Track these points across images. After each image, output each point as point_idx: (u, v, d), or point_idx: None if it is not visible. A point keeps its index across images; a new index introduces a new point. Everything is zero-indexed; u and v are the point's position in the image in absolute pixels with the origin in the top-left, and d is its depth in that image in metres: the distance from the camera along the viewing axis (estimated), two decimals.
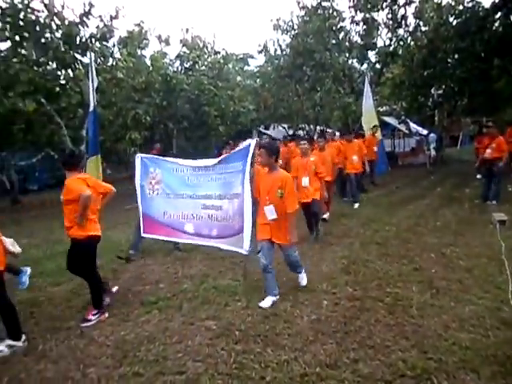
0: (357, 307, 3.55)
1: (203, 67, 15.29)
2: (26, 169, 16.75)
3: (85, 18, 9.72)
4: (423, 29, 14.99)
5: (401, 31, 15.45)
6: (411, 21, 15.40)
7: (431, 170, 14.57)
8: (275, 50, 17.22)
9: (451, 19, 13.39)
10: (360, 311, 3.47)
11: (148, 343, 3.12)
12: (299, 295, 3.88)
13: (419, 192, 9.85)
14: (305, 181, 5.51)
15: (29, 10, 9.07)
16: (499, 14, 11.32)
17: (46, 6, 9.29)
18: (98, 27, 10.40)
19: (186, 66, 15.47)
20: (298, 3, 15.74)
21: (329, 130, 14.93)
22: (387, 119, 19.01)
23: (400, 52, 15.70)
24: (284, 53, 16.84)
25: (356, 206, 8.18)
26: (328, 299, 3.75)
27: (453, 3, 13.20)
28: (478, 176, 11.93)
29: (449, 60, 14.19)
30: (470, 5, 12.57)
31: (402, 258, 4.85)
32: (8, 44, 9.22)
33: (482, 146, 11.79)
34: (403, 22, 15.28)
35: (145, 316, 3.64)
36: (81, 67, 10.57)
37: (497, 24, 11.67)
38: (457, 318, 3.22)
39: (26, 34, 9.13)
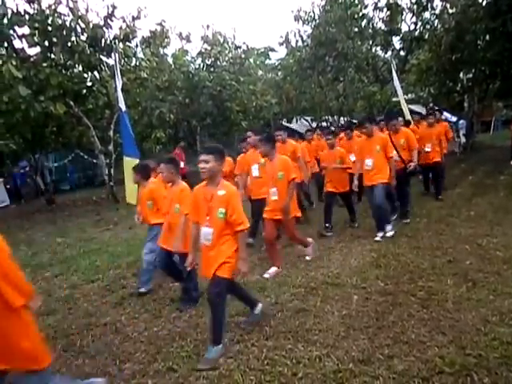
0: (389, 302, 3.47)
1: (224, 63, 15.29)
2: (58, 170, 17.39)
3: (108, 20, 9.91)
4: (450, 11, 14.37)
5: (427, 14, 14.86)
6: (437, 3, 14.82)
7: (462, 158, 14.03)
8: (296, 42, 16.95)
9: (480, 0, 12.75)
10: (392, 306, 3.38)
11: (180, 339, 3.17)
12: (329, 290, 3.84)
13: (450, 180, 9.47)
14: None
15: (56, 15, 9.34)
16: None
17: (71, 9, 9.53)
18: (120, 28, 10.58)
19: (208, 62, 15.52)
20: None
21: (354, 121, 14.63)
22: (413, 107, 18.42)
23: (426, 36, 15.13)
24: (305, 44, 16.56)
25: None
26: (358, 294, 3.69)
27: None
28: None
29: (479, 42, 13.53)
30: None
31: (435, 250, 4.70)
32: (37, 49, 9.53)
33: None
34: (429, 4, 14.70)
35: (176, 312, 3.70)
36: (106, 69, 10.80)
37: None
38: (496, 311, 3.09)
39: (55, 39, 9.40)
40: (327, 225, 5.81)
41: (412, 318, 3.16)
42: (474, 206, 6.74)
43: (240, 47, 15.77)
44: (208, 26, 15.51)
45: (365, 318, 3.22)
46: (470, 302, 3.30)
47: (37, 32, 9.28)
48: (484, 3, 12.55)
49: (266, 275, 4.33)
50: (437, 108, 11.31)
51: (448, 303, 3.32)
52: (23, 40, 9.26)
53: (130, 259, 5.51)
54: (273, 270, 4.44)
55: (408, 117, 8.36)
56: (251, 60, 16.65)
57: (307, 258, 4.71)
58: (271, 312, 3.47)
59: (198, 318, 3.54)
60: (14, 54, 9.31)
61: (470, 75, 15.50)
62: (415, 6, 14.38)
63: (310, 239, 4.82)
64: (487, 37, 13.06)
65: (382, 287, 3.79)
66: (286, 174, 4.28)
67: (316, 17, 15.68)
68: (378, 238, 5.22)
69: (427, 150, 7.11)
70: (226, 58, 15.44)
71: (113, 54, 10.02)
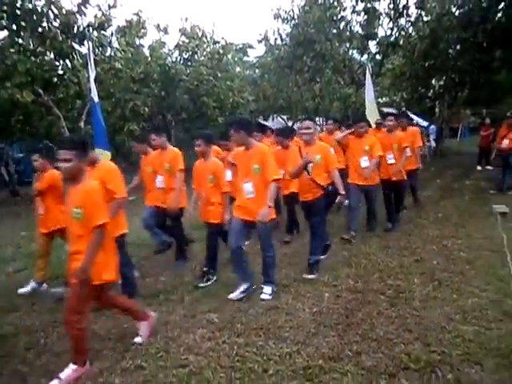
0: (358, 300, 3.54)
1: (202, 57, 15.10)
2: (24, 160, 16.64)
3: (82, 7, 9.54)
4: (425, 19, 14.81)
5: (402, 21, 15.26)
6: (413, 11, 15.24)
7: (431, 162, 14.52)
8: (275, 40, 17.02)
9: (454, 9, 13.21)
10: (362, 304, 3.46)
11: (150, 336, 3.10)
12: (301, 287, 3.88)
13: (419, 183, 9.78)
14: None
15: None
16: (502, 4, 11.16)
17: None
18: (95, 16, 10.22)
19: (185, 56, 15.28)
20: None
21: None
22: (387, 110, 18.88)
23: (401, 42, 15.54)
24: (284, 43, 16.65)
25: None
26: (329, 292, 3.74)
27: None
28: (479, 168, 11.97)
29: (450, 51, 14.03)
30: None
31: (403, 250, 4.85)
32: (5, 33, 9.06)
33: (486, 134, 11.86)
34: (405, 11, 15.09)
35: (146, 309, 3.61)
36: (78, 57, 10.41)
37: (500, 15, 11.52)
38: (460, 310, 3.22)
39: (23, 24, 8.96)
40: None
41: (380, 315, 3.23)
42: (441, 208, 6.99)
43: (218, 42, 15.62)
44: (186, 19, 15.28)
45: (335, 315, 3.27)
46: (436, 301, 3.42)
47: (5, 15, 8.82)
48: (457, 13, 13.01)
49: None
50: (403, 111, 11.40)
51: (415, 301, 3.42)
52: None
53: None
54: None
55: (372, 122, 7.76)
56: (229, 56, 16.52)
57: (137, 340, 3.02)
58: (243, 309, 3.47)
59: (168, 314, 3.48)
60: None
61: (442, 82, 16.06)
62: (392, 12, 14.74)
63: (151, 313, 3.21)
64: (459, 46, 13.56)
65: (353, 285, 3.87)
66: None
67: (295, 16, 15.78)
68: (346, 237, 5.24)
69: (390, 161, 5.68)
70: (204, 53, 15.26)
71: (86, 43, 9.66)
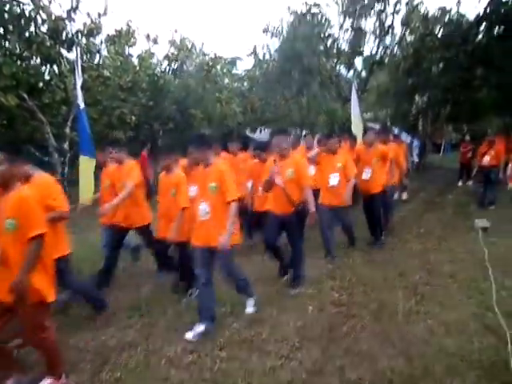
0: (342, 313, 3.54)
1: (191, 68, 15.18)
2: None
3: (72, 14, 9.50)
4: (409, 39, 15.30)
5: (387, 40, 15.74)
6: (398, 31, 15.74)
7: (414, 176, 14.79)
8: (264, 54, 17.28)
9: (437, 30, 13.68)
10: (346, 317, 3.45)
11: (130, 349, 3.03)
12: (285, 300, 3.85)
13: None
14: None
15: (14, 3, 8.81)
16: (483, 26, 11.61)
17: None
18: (85, 23, 10.19)
19: (174, 66, 15.33)
20: (288, 8, 15.85)
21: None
22: (372, 125, 19.24)
23: (386, 60, 15.97)
24: (272, 57, 16.90)
25: None
26: (313, 305, 3.73)
27: (438, 14, 13.48)
28: (460, 183, 12.24)
29: (433, 69, 14.48)
30: (455, 17, 12.88)
31: (387, 263, 4.88)
32: None
33: (466, 150, 12.18)
34: (390, 30, 15.57)
35: (127, 321, 3.53)
36: (66, 63, 10.32)
37: (480, 36, 11.97)
38: (442, 323, 3.24)
39: (11, 27, 8.86)
40: None
41: (364, 329, 3.23)
42: (424, 222, 7.09)
43: (208, 54, 15.75)
44: (176, 31, 15.39)
45: (319, 329, 3.25)
46: (419, 315, 3.44)
47: None
48: (440, 34, 13.47)
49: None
50: (383, 125, 11.48)
51: (398, 315, 3.43)
52: None
53: (78, 263, 5.21)
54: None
55: (358, 136, 7.24)
56: (218, 68, 16.64)
57: None
58: (226, 322, 3.42)
59: (150, 327, 3.40)
60: None
61: (425, 99, 16.49)
62: (378, 30, 15.18)
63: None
64: (441, 65, 14.01)
65: (337, 298, 3.86)
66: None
67: (284, 32, 16.07)
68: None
69: (365, 176, 5.45)
70: (193, 64, 15.34)
71: (74, 49, 9.59)
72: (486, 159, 8.13)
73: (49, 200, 2.97)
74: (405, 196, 9.31)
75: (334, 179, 4.95)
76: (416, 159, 17.59)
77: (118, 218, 4.21)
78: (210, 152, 3.32)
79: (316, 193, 4.97)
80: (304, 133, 17.84)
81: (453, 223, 6.94)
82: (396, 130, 18.27)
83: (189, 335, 3.15)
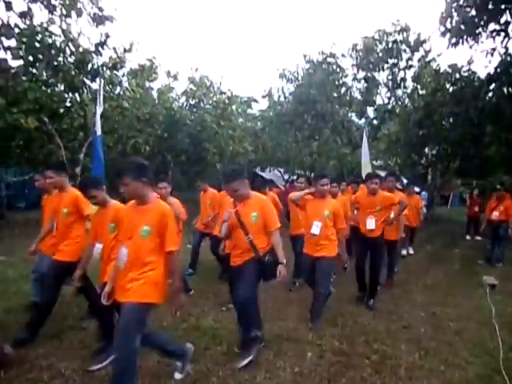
0: (342, 363, 3.38)
1: (208, 105, 15.68)
2: (15, 185, 16.52)
3: (100, 48, 10.04)
4: (420, 92, 15.75)
5: (399, 92, 16.25)
6: (409, 83, 16.26)
7: (421, 228, 14.63)
8: (279, 97, 17.87)
9: (448, 85, 14.08)
10: (345, 367, 3.30)
11: None
12: (283, 344, 3.71)
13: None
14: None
15: (46, 33, 9.37)
16: (493, 85, 11.94)
17: (63, 31, 9.61)
18: (110, 57, 10.72)
19: (191, 102, 15.86)
20: (305, 56, 16.56)
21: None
22: (381, 173, 19.38)
23: (397, 111, 16.37)
24: (287, 100, 17.46)
25: None
26: (313, 351, 3.58)
27: (450, 71, 13.94)
28: (468, 237, 12.06)
29: (443, 123, 14.75)
30: (467, 74, 13.29)
31: (391, 314, 4.72)
32: (21, 62, 9.40)
33: (474, 204, 12.11)
34: (402, 83, 16.10)
35: None
36: (88, 92, 10.76)
37: (490, 94, 12.27)
38: (447, 383, 3.08)
39: (40, 56, 9.35)
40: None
41: (364, 382, 3.08)
42: (430, 274, 6.93)
43: (225, 93, 16.31)
44: (197, 69, 16.06)
45: (317, 378, 3.11)
46: (422, 371, 3.28)
47: (23, 46, 9.22)
48: (451, 89, 13.85)
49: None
50: (390, 172, 11.11)
51: (401, 369, 3.28)
52: (8, 51, 9.14)
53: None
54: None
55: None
56: (234, 107, 17.17)
57: None
58: (221, 362, 3.28)
59: (141, 360, 3.26)
60: None
61: (435, 151, 16.68)
62: (390, 83, 15.70)
63: None
64: (451, 119, 14.29)
65: (337, 346, 3.72)
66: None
67: (299, 77, 16.71)
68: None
69: (369, 227, 4.88)
70: (210, 101, 15.86)
71: (98, 79, 10.04)
72: (495, 214, 8.06)
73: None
74: (411, 251, 8.99)
75: (315, 228, 4.24)
76: (424, 210, 17.49)
77: (53, 250, 3.86)
78: (147, 185, 2.69)
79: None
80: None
81: (459, 278, 6.77)
82: (405, 180, 18.40)
83: (177, 375, 3.00)
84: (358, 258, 5.09)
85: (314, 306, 4.27)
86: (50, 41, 9.47)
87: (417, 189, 18.61)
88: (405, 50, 15.50)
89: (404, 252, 8.46)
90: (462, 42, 11.25)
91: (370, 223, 4.86)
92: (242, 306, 3.32)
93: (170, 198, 4.56)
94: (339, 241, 4.38)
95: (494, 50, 11.35)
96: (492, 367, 3.36)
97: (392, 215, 5.18)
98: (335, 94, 16.21)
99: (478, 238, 11.50)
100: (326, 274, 4.28)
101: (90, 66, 10.15)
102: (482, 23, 10.72)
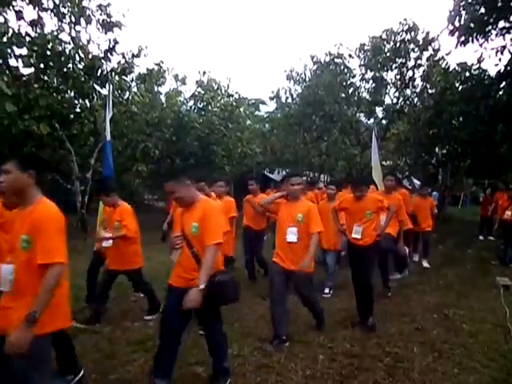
0: (354, 365, 3.36)
1: (216, 108, 15.77)
2: None
3: (108, 54, 10.17)
4: (430, 91, 15.58)
5: (408, 91, 16.07)
6: (418, 83, 16.09)
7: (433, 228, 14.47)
8: (286, 98, 17.85)
9: (457, 84, 13.91)
10: (358, 370, 3.28)
11: None
12: (294, 347, 3.70)
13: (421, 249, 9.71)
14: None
15: (57, 41, 9.53)
16: (504, 83, 11.76)
17: (73, 38, 9.77)
18: (119, 63, 10.85)
19: (199, 105, 15.96)
20: (312, 58, 16.51)
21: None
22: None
23: (406, 110, 16.21)
24: (295, 101, 17.42)
25: None
26: (324, 354, 3.56)
27: (459, 69, 13.77)
28: (481, 237, 11.88)
29: (453, 122, 14.57)
30: (476, 72, 13.11)
31: (403, 316, 4.68)
32: (32, 69, 9.57)
33: (487, 204, 11.93)
34: (411, 83, 15.93)
35: (130, 355, 3.45)
36: (98, 98, 10.90)
37: (501, 92, 12.09)
38: None
39: (51, 63, 9.52)
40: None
41: None
42: (442, 275, 6.85)
43: (232, 95, 16.38)
44: (204, 72, 16.16)
45: (329, 381, 3.09)
46: (436, 374, 3.24)
47: (34, 54, 9.39)
48: (460, 88, 13.68)
49: None
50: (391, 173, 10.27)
51: (414, 373, 3.24)
52: (19, 60, 9.32)
53: (84, 292, 5.16)
54: None
55: (378, 184, 6.86)
56: (241, 109, 17.23)
57: None
58: (232, 365, 3.28)
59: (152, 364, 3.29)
60: (7, 71, 9.32)
61: (445, 151, 16.47)
62: (399, 82, 15.56)
63: None
64: (461, 118, 14.10)
65: (349, 349, 3.69)
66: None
67: (307, 78, 16.66)
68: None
69: (355, 235, 4.39)
70: (218, 104, 15.95)
71: (107, 85, 10.17)
72: (508, 214, 7.93)
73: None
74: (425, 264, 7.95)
75: (290, 235, 3.71)
76: (435, 210, 17.28)
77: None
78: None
79: None
80: (322, 177, 17.97)
81: (472, 279, 6.68)
82: (416, 181, 18.21)
83: None
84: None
85: (311, 311, 4.14)
86: (60, 48, 9.62)
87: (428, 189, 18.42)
88: (413, 49, 15.34)
89: (415, 258, 8.00)
90: (472, 41, 11.12)
91: (357, 231, 4.34)
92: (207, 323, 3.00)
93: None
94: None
95: (503, 47, 11.19)
96: (507, 371, 3.30)
97: (382, 222, 4.61)
98: (343, 95, 16.12)
99: (492, 238, 11.33)
100: (304, 285, 3.83)
101: (99, 72, 10.29)
102: (491, 21, 10.59)
